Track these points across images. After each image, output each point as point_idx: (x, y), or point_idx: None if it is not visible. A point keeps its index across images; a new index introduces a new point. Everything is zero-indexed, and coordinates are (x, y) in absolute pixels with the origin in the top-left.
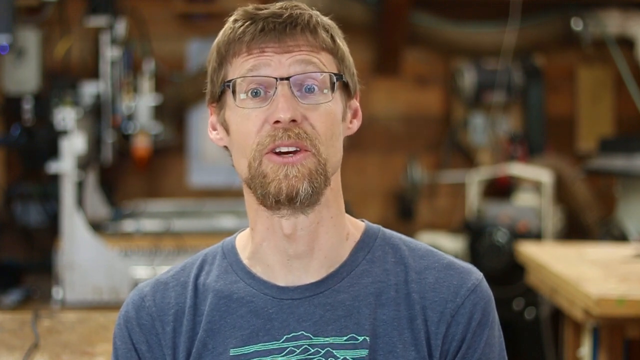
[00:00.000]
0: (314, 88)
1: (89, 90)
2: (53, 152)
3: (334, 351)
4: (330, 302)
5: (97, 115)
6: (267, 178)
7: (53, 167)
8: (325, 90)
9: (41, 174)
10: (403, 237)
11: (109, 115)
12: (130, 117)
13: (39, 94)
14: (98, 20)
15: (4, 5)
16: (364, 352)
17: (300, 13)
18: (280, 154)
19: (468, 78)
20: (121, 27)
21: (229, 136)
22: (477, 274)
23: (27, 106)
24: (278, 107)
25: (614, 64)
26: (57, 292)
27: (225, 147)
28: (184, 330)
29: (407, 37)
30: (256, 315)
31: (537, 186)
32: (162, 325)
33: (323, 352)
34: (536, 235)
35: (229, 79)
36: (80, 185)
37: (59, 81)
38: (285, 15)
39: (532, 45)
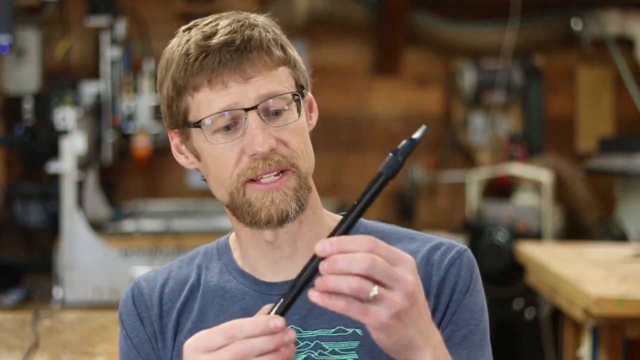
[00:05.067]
0: (280, 110)
1: (89, 90)
2: (53, 152)
3: (322, 343)
4: None
5: (97, 115)
6: (254, 207)
7: (53, 167)
8: (287, 107)
9: (41, 173)
10: (385, 225)
11: (109, 115)
12: (130, 117)
13: (39, 94)
14: (98, 20)
15: (4, 5)
16: (354, 343)
17: (250, 34)
18: (261, 181)
19: (468, 78)
20: (121, 27)
21: (201, 162)
22: (459, 247)
23: (28, 106)
24: (254, 140)
25: (614, 64)
26: (57, 292)
27: (197, 169)
28: (174, 325)
29: (407, 37)
30: (248, 313)
31: (537, 186)
32: (157, 319)
33: (312, 344)
34: (536, 235)
35: (197, 119)
36: (80, 185)
37: (59, 81)
38: (237, 42)
39: (532, 45)
